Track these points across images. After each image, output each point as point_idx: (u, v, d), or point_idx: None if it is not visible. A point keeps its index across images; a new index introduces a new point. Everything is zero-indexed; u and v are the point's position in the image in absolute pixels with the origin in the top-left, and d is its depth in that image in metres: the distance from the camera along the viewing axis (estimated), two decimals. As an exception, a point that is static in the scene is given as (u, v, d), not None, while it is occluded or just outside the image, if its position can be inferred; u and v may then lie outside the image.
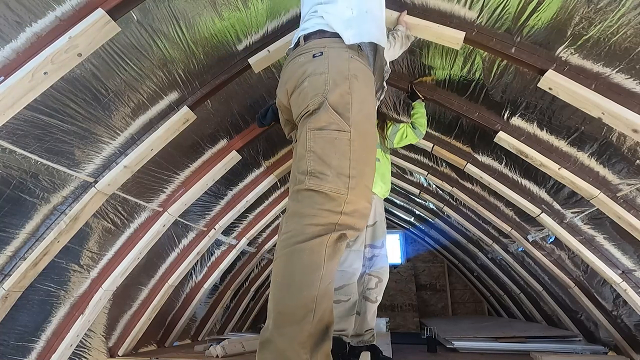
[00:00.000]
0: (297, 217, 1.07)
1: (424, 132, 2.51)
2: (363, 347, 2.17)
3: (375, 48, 1.35)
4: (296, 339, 0.95)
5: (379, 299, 2.29)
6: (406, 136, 2.52)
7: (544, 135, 2.08)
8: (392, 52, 1.75)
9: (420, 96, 2.41)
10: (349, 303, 2.06)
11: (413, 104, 2.47)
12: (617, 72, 1.52)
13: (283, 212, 3.77)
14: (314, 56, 1.22)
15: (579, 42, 1.53)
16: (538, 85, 1.73)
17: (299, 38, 1.32)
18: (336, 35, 1.26)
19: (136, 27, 1.52)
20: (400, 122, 2.64)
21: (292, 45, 1.36)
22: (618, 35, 1.42)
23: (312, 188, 1.07)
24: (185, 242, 2.77)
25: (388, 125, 2.56)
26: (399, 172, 3.86)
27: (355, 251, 2.15)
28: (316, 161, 1.09)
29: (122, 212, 2.09)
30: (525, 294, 3.99)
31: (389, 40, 1.69)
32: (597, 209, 2.04)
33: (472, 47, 1.89)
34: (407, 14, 1.82)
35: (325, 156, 1.09)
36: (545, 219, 2.51)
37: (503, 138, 2.20)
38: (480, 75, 2.05)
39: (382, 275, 2.30)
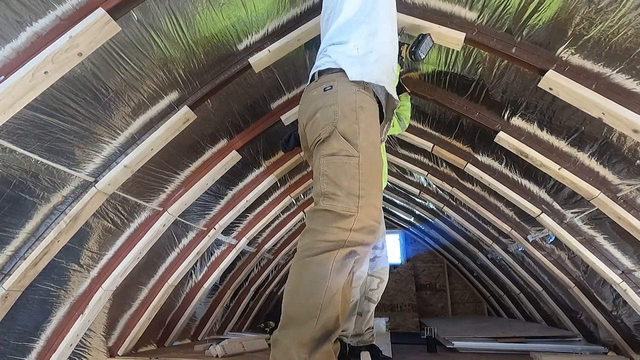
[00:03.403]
0: (311, 233, 1.20)
1: (407, 125, 2.56)
2: (363, 347, 2.18)
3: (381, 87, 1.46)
4: (297, 340, 1.06)
5: (379, 299, 2.31)
6: (392, 126, 2.51)
7: (544, 135, 2.08)
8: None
9: (407, 89, 2.44)
10: (351, 304, 2.09)
11: (400, 96, 2.49)
12: (617, 72, 1.52)
13: (283, 211, 3.77)
14: (324, 90, 1.35)
15: (580, 42, 1.53)
16: (538, 85, 1.73)
17: (314, 74, 1.45)
18: (343, 70, 1.37)
19: (136, 26, 1.52)
20: None
21: (308, 82, 1.48)
22: (619, 36, 1.42)
23: (326, 208, 1.19)
24: (185, 241, 2.77)
25: None
26: (399, 172, 3.86)
27: (384, 258, 2.22)
28: (329, 183, 1.21)
29: (122, 211, 2.09)
30: (525, 294, 3.99)
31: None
32: (597, 209, 2.04)
33: (472, 47, 1.89)
34: (408, 14, 1.83)
35: (336, 179, 1.21)
36: (545, 219, 2.51)
37: (503, 138, 2.20)
38: (480, 75, 2.05)
39: (384, 275, 2.31)
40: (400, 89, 2.47)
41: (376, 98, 1.45)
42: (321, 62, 1.45)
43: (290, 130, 1.96)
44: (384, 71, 1.47)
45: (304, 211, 4.01)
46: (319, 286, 1.09)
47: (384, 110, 1.55)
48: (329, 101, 1.31)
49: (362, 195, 1.18)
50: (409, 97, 2.50)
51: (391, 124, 2.45)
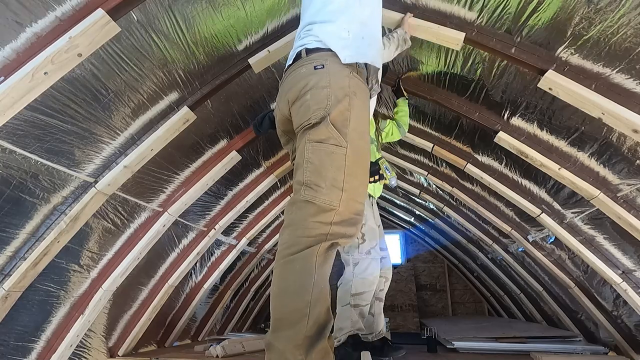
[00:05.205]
0: (291, 229, 1.15)
1: (407, 130, 2.59)
2: (377, 341, 2.30)
3: (368, 67, 1.39)
4: (292, 341, 1.03)
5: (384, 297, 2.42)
6: (392, 134, 2.58)
7: (544, 135, 2.08)
8: (387, 53, 1.74)
9: (405, 94, 2.44)
10: (366, 307, 2.18)
11: (397, 101, 2.52)
12: (617, 72, 1.52)
13: (283, 212, 3.77)
14: (315, 68, 1.26)
15: (579, 42, 1.53)
16: (538, 85, 1.73)
17: (301, 51, 1.34)
18: (332, 50, 1.29)
19: (136, 27, 1.52)
20: (387, 117, 2.63)
21: (291, 61, 1.38)
22: (618, 36, 1.42)
23: (307, 199, 1.13)
24: (185, 242, 2.77)
25: (378, 121, 2.57)
26: (399, 172, 3.86)
27: (375, 259, 2.24)
28: (312, 172, 1.15)
29: (122, 212, 2.09)
30: (526, 294, 3.99)
31: (384, 41, 1.70)
32: (597, 209, 2.04)
33: (472, 47, 1.89)
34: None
35: (321, 168, 1.15)
36: (546, 219, 2.51)
37: (503, 138, 2.20)
38: (480, 75, 2.05)
39: (389, 275, 2.42)
40: (398, 94, 2.48)
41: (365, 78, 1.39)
42: (307, 41, 1.34)
43: (265, 111, 1.89)
44: (378, 53, 1.42)
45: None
46: (305, 283, 1.06)
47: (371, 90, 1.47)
48: (321, 82, 1.22)
49: (346, 189, 1.14)
50: (407, 101, 2.52)
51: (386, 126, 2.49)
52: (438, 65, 2.20)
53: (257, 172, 2.96)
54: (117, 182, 1.88)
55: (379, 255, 2.29)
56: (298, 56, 1.34)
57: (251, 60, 1.97)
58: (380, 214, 2.56)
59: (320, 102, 1.19)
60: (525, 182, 2.52)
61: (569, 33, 1.53)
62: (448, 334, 3.33)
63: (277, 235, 3.95)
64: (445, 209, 3.78)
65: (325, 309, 1.08)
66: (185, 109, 1.95)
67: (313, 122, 1.19)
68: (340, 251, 2.25)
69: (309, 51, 1.32)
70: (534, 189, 2.50)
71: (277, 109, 1.42)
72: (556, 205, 2.43)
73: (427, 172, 3.34)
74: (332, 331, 1.19)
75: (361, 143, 1.23)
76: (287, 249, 1.12)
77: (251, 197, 2.98)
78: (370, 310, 2.26)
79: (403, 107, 2.52)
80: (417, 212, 4.82)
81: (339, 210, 1.12)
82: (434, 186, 3.64)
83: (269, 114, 1.80)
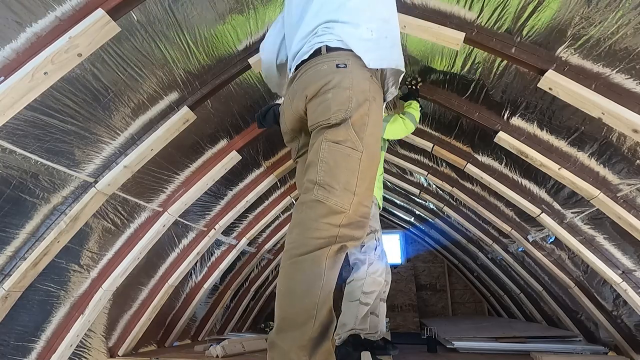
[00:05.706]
0: (300, 229, 1.13)
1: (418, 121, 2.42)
2: (380, 340, 2.37)
3: (385, 70, 1.37)
4: (297, 342, 1.01)
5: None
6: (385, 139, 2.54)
7: (544, 135, 2.08)
8: None
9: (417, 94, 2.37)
10: (370, 307, 2.26)
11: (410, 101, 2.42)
12: (617, 72, 1.52)
13: (283, 212, 3.77)
14: (337, 66, 1.23)
15: (579, 42, 1.53)
16: (538, 85, 1.73)
17: (321, 47, 1.28)
18: (353, 51, 1.27)
19: (136, 27, 1.52)
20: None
21: (306, 57, 1.31)
22: (618, 35, 1.42)
23: (319, 199, 1.11)
24: (185, 242, 2.77)
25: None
26: (399, 172, 3.86)
27: (384, 262, 2.35)
28: (327, 172, 1.13)
29: (122, 212, 2.09)
30: (526, 294, 3.99)
31: None
32: (597, 209, 2.04)
33: (472, 47, 1.89)
34: (408, 14, 1.82)
35: (336, 169, 1.14)
36: (546, 219, 2.51)
37: (503, 138, 2.20)
38: (480, 75, 2.05)
39: (389, 276, 2.46)
40: (411, 95, 2.44)
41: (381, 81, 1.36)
42: (327, 39, 1.28)
43: (269, 104, 1.85)
44: (399, 56, 1.39)
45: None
46: (314, 285, 1.05)
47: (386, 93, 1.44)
48: (344, 83, 1.19)
49: (357, 193, 1.13)
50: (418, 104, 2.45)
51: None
52: (438, 65, 2.20)
53: (257, 172, 2.96)
54: (117, 182, 1.88)
55: (387, 259, 2.41)
56: (316, 53, 1.29)
57: (251, 60, 1.97)
58: (380, 215, 2.58)
59: (342, 104, 1.17)
60: (525, 182, 2.53)
61: (568, 33, 1.53)
62: (448, 334, 3.33)
63: (277, 235, 3.98)
64: (445, 209, 3.78)
65: (329, 310, 1.07)
66: (185, 109, 1.95)
67: (333, 123, 1.17)
68: (355, 251, 2.32)
69: (329, 49, 1.27)
70: (534, 188, 2.50)
71: (288, 105, 1.36)
72: (556, 205, 2.43)
73: (427, 172, 3.34)
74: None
75: (375, 149, 1.23)
76: (296, 249, 1.10)
77: (251, 197, 2.98)
78: (374, 311, 2.35)
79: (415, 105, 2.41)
80: (417, 212, 4.82)
81: (349, 213, 1.12)
82: (434, 186, 3.64)
83: (274, 107, 1.75)
